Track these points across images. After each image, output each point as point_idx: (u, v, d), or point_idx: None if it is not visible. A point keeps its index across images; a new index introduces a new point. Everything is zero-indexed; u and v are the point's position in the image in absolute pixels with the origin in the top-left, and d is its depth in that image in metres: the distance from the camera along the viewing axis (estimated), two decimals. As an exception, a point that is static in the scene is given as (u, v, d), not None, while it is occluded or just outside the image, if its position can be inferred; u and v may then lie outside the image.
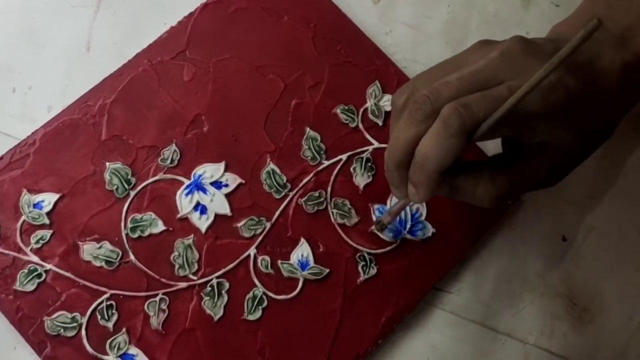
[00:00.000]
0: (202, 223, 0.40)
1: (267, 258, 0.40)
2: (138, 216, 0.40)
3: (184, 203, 0.41)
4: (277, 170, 0.42)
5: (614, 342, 0.42)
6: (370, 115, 0.43)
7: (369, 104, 0.44)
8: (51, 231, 0.39)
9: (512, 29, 0.47)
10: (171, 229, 0.40)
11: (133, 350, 0.38)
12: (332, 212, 0.41)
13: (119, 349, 0.38)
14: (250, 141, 0.42)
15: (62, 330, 0.38)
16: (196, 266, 0.40)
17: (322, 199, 0.41)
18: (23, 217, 0.40)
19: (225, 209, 0.41)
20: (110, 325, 0.38)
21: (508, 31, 0.47)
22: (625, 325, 0.42)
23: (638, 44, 0.33)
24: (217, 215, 0.41)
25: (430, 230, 0.41)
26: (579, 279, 0.43)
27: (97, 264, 0.39)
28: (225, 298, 0.39)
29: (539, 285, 0.43)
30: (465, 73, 0.30)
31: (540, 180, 0.33)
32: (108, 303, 0.38)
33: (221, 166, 0.42)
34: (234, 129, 0.42)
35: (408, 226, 0.41)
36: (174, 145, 0.42)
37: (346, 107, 0.43)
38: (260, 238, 0.40)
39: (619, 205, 0.44)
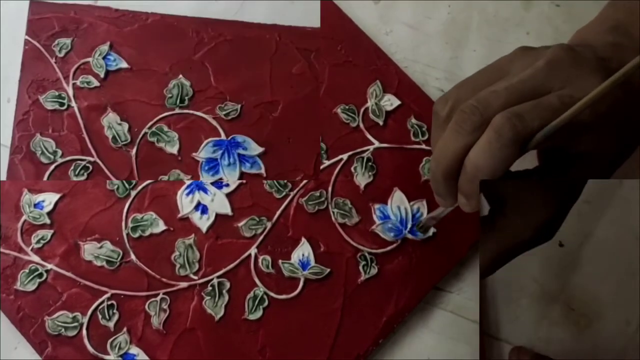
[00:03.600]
0: (203, 223, 0.40)
1: (268, 258, 0.40)
2: (139, 216, 0.40)
3: (185, 203, 0.41)
4: (278, 170, 0.42)
5: (611, 347, 0.42)
6: (371, 115, 0.43)
7: (370, 103, 0.44)
8: (52, 231, 0.39)
9: (512, 29, 0.47)
10: (172, 228, 0.40)
11: (134, 349, 0.38)
12: (333, 212, 0.41)
13: (119, 348, 0.38)
14: (251, 141, 0.42)
15: (63, 330, 0.38)
16: (197, 266, 0.40)
17: (322, 199, 0.41)
18: (24, 217, 0.40)
19: (226, 209, 0.41)
20: (111, 325, 0.38)
21: (508, 31, 0.47)
22: (623, 330, 0.42)
23: None
24: (217, 215, 0.41)
25: (431, 230, 0.41)
26: (576, 285, 0.43)
27: (98, 263, 0.39)
28: (226, 298, 0.39)
29: (536, 291, 0.42)
30: (513, 82, 0.30)
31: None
32: (109, 303, 0.38)
33: (222, 166, 0.42)
34: (235, 129, 0.43)
35: (409, 226, 0.41)
36: (174, 145, 0.42)
37: (347, 107, 0.44)
38: (261, 238, 0.40)
39: (615, 211, 0.44)
